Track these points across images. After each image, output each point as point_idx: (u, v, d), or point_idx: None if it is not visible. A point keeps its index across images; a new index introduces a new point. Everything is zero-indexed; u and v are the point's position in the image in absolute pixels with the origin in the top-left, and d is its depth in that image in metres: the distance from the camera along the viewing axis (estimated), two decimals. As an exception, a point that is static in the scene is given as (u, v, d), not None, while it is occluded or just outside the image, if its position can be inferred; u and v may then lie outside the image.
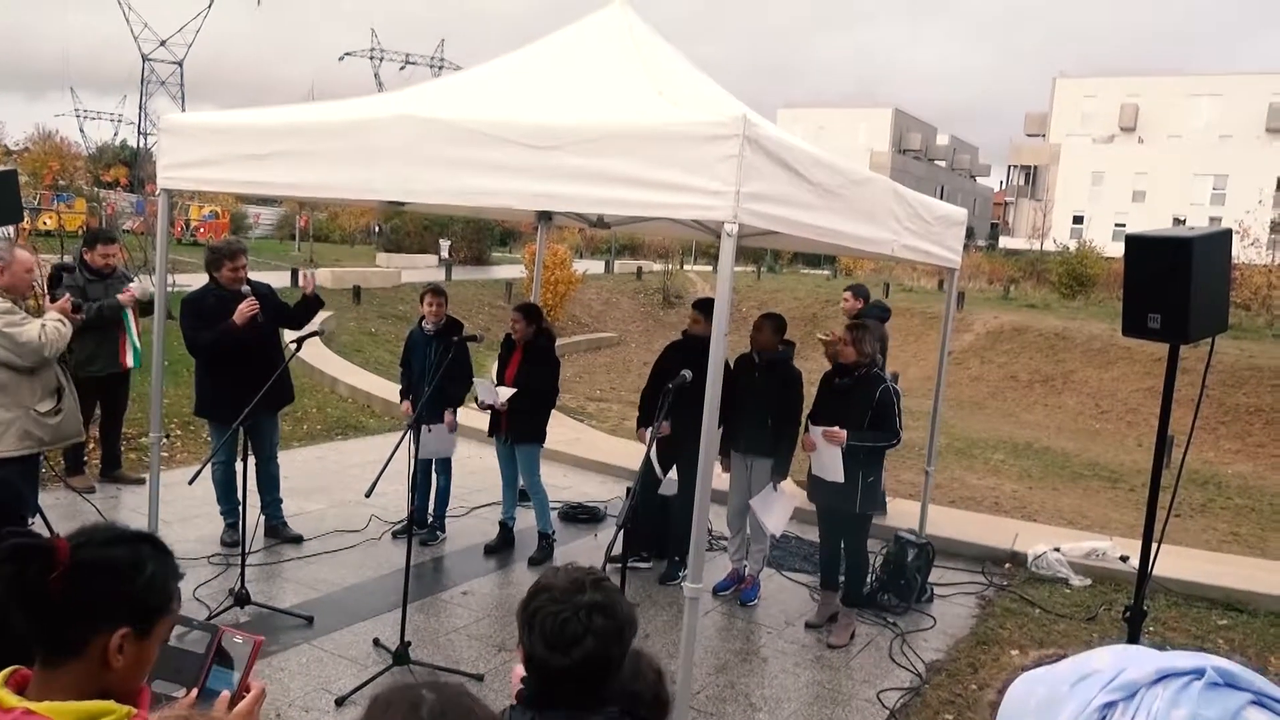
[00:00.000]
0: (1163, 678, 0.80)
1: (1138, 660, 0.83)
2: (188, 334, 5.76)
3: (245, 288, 5.79)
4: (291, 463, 7.30)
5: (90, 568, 1.44)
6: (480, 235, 32.00)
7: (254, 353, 5.69)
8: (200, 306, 5.77)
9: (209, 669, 1.61)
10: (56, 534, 1.46)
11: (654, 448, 5.78)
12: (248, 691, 1.63)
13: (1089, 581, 6.56)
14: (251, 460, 5.76)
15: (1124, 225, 45.02)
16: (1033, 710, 0.86)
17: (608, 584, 1.85)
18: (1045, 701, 0.85)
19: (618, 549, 3.66)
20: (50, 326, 4.95)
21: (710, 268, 34.49)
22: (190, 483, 4.82)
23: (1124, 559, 6.65)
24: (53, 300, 6.68)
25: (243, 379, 5.43)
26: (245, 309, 5.63)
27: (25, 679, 1.44)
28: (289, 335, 6.93)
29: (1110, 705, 0.80)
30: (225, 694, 1.57)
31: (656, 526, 6.21)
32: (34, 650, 1.45)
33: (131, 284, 6.73)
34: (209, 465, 5.30)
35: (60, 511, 6.10)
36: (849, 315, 7.24)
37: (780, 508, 5.56)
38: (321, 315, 14.93)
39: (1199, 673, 0.79)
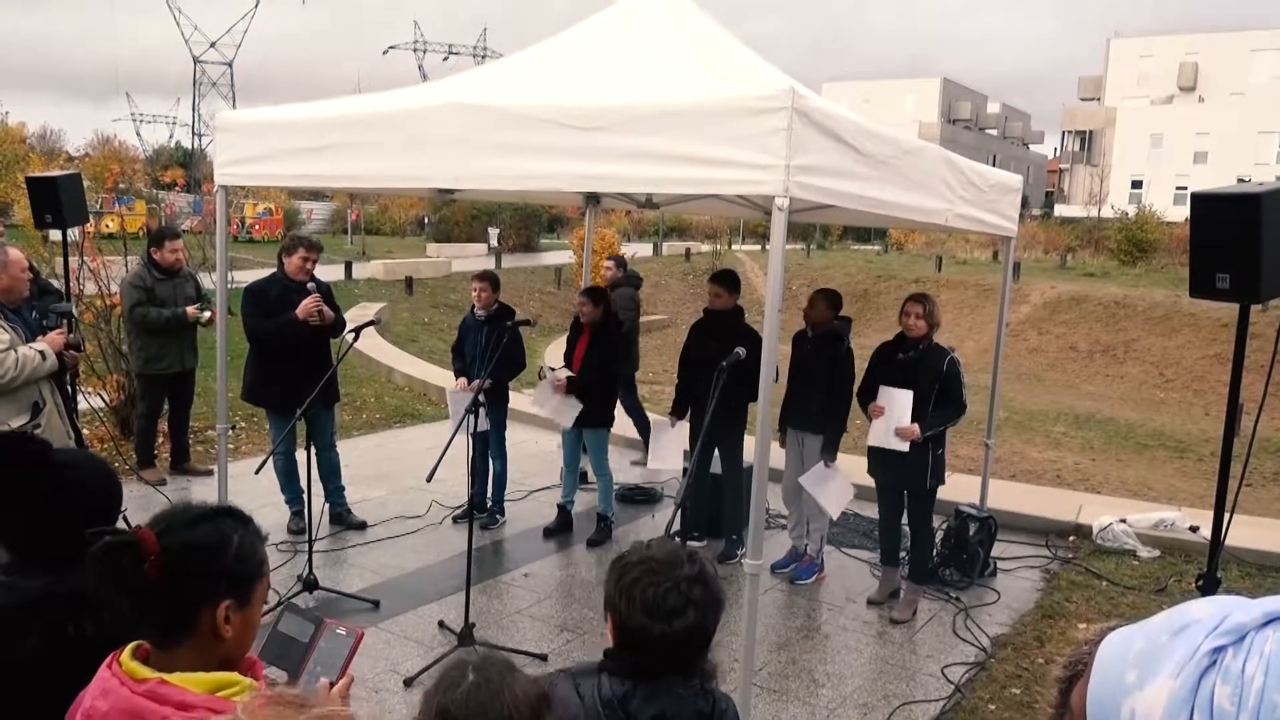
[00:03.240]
0: (1271, 620, 0.78)
1: (1241, 606, 0.81)
2: (248, 322, 5.91)
3: (311, 284, 5.93)
4: (352, 451, 7.44)
5: (180, 552, 1.48)
6: (528, 222, 32.18)
7: (308, 345, 5.83)
8: (263, 296, 5.93)
9: (310, 659, 1.66)
10: (138, 525, 1.50)
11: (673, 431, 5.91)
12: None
13: (1157, 553, 6.42)
14: (312, 449, 5.92)
15: (1185, 188, 43.62)
16: (1132, 662, 0.83)
17: (699, 557, 1.90)
18: (1145, 653, 0.83)
19: (676, 526, 3.67)
20: (24, 355, 4.53)
21: (759, 247, 34.27)
22: (256, 472, 4.95)
23: (1194, 529, 6.49)
24: (130, 312, 6.90)
25: (294, 369, 5.60)
26: (310, 305, 5.78)
27: (149, 652, 1.49)
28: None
29: (1220, 650, 0.78)
30: (324, 680, 1.63)
31: (709, 506, 6.23)
32: (150, 637, 1.50)
33: (191, 309, 6.95)
34: (272, 457, 5.44)
35: (135, 504, 6.26)
36: (608, 283, 8.25)
37: (837, 488, 5.52)
38: (376, 306, 15.18)
39: None
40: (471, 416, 4.82)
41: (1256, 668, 0.76)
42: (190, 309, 6.92)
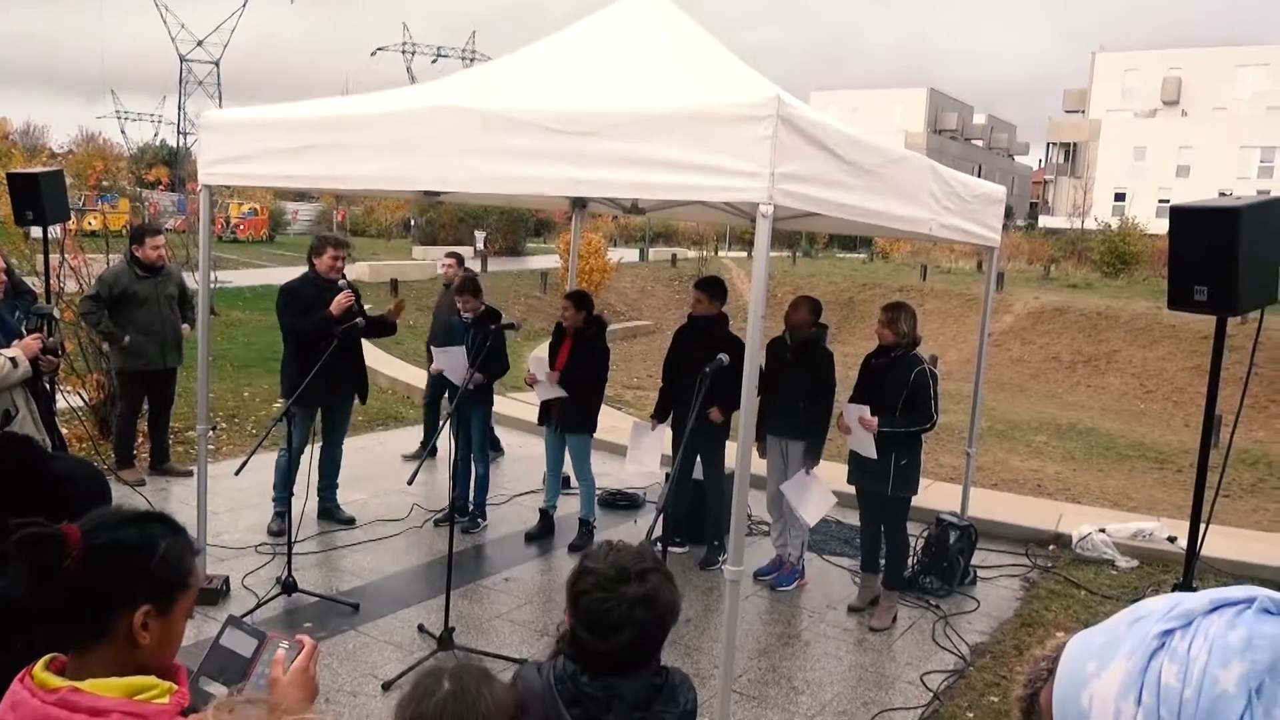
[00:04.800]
0: (1217, 607, 0.83)
1: (1190, 596, 0.87)
2: (286, 320, 6.03)
3: (342, 281, 6.04)
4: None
5: (103, 551, 1.46)
6: (515, 226, 32.15)
7: (341, 343, 5.81)
8: (299, 295, 6.02)
9: (253, 673, 1.63)
10: (66, 521, 1.48)
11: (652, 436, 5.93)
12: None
13: (1136, 563, 6.47)
14: (317, 445, 5.92)
15: (1168, 201, 43.86)
16: (1093, 654, 0.88)
17: (654, 575, 1.90)
18: (1104, 645, 0.88)
19: (658, 532, 3.67)
20: None
21: (745, 253, 34.35)
22: (236, 474, 4.90)
23: (1172, 539, 6.55)
24: (81, 301, 6.85)
25: (328, 367, 5.58)
26: (342, 300, 5.88)
27: (64, 665, 1.47)
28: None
29: (1168, 633, 0.83)
30: (281, 652, 1.60)
31: (692, 512, 6.23)
32: (65, 637, 1.48)
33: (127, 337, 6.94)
34: (278, 452, 5.47)
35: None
36: (446, 281, 8.06)
37: (816, 496, 5.54)
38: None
39: (1250, 601, 0.83)
40: (451, 425, 4.81)
41: (1201, 648, 0.81)
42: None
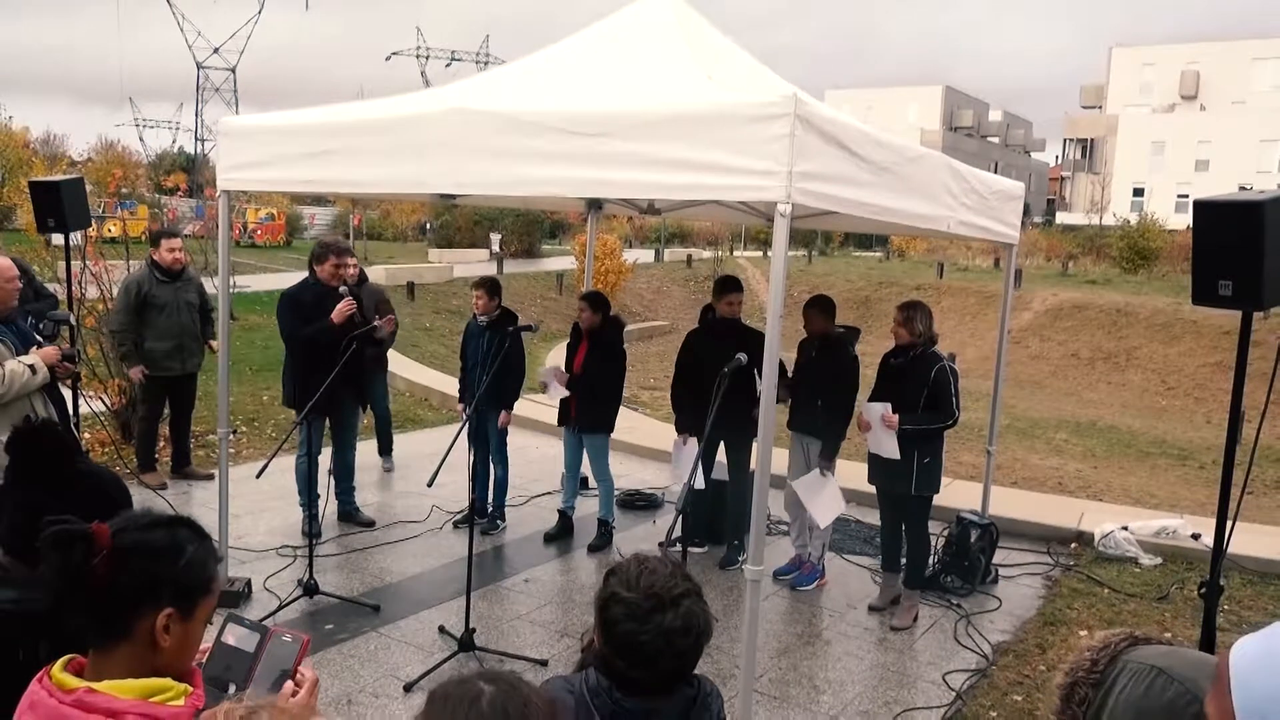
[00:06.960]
0: None
1: None
2: (285, 327, 5.99)
3: (343, 288, 5.97)
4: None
5: (131, 551, 1.48)
6: (530, 228, 32.21)
7: (344, 350, 5.81)
8: (299, 301, 5.98)
9: (258, 668, 1.64)
10: (96, 520, 1.50)
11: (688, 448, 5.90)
12: (298, 686, 1.66)
13: (1159, 560, 6.41)
14: (328, 449, 5.94)
15: (1187, 196, 43.55)
16: None
17: (687, 599, 1.84)
18: None
19: (678, 533, 3.67)
20: (11, 371, 4.34)
21: (761, 253, 34.32)
22: (258, 476, 4.94)
23: (1196, 537, 6.48)
24: (109, 317, 6.92)
25: (330, 374, 5.60)
26: (344, 308, 5.82)
27: (82, 666, 1.49)
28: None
29: None
30: (289, 685, 1.61)
31: (711, 512, 6.21)
32: (87, 636, 1.50)
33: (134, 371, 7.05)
34: (295, 457, 5.48)
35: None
36: (354, 280, 7.34)
37: (829, 497, 5.50)
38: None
39: None
40: (469, 429, 4.81)
41: None
42: (134, 371, 7.00)
